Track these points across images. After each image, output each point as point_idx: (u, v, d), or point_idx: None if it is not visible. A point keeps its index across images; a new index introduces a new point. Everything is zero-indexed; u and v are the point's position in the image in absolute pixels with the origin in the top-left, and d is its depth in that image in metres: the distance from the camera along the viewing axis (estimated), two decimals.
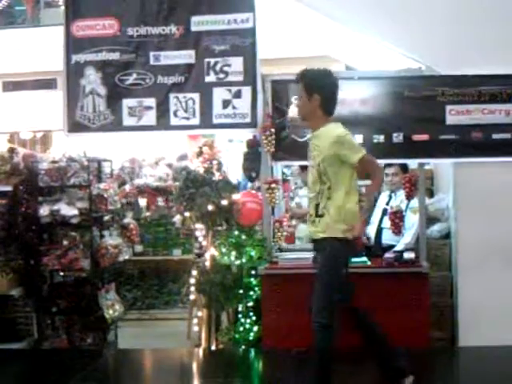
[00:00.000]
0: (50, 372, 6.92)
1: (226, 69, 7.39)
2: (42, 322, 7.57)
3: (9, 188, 7.60)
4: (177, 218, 8.13)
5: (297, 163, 8.34)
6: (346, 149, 5.55)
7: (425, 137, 7.19)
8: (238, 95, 7.38)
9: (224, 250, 7.30)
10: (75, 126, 7.60)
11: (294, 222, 8.44)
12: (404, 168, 7.61)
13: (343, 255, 5.67)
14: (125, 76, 7.54)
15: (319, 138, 5.65)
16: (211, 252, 7.46)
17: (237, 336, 7.19)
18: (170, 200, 9.52)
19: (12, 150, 8.19)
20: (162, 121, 7.42)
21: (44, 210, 7.43)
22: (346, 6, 7.45)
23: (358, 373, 6.46)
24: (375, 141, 7.25)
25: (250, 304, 7.23)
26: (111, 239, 7.70)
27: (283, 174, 8.72)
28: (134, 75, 7.52)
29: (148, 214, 9.83)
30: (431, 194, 8.34)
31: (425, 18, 7.26)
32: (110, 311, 7.54)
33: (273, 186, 7.28)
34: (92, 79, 7.58)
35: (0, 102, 13.11)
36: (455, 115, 7.18)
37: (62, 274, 7.60)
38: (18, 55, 11.96)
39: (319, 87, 5.68)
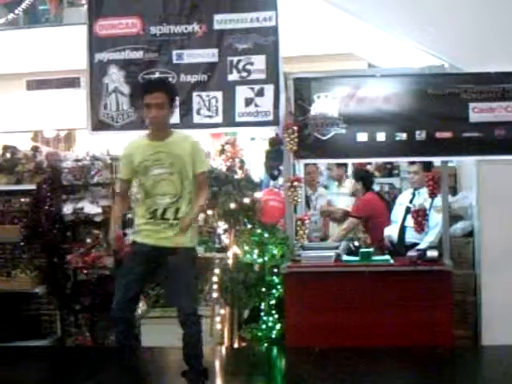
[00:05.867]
0: (73, 369, 6.96)
1: (248, 67, 7.40)
2: (66, 320, 7.61)
3: (33, 186, 7.65)
4: (199, 216, 8.13)
5: (319, 161, 8.32)
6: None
7: (448, 134, 7.16)
8: (260, 93, 7.38)
9: (246, 248, 7.32)
10: (99, 125, 7.63)
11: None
12: (427, 166, 7.59)
13: None
14: (148, 75, 7.55)
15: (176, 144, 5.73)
16: (234, 250, 7.47)
17: (259, 334, 7.20)
18: None
19: (36, 149, 8.25)
20: (185, 119, 7.43)
21: (67, 208, 7.47)
22: (369, 4, 7.44)
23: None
24: (398, 138, 7.23)
25: (273, 302, 7.25)
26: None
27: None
28: (157, 74, 7.54)
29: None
30: (454, 192, 8.31)
31: (448, 16, 7.24)
32: None
33: (295, 184, 7.29)
34: (115, 78, 7.60)
35: (24, 100, 13.17)
36: (478, 113, 7.15)
37: (85, 271, 7.61)
38: (42, 54, 12.00)
39: (176, 95, 5.97)
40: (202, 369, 5.76)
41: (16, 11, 11.99)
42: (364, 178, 8.43)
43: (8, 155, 8.01)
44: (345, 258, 7.34)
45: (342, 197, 8.61)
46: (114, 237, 5.81)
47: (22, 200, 7.87)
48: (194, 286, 5.87)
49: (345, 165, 8.64)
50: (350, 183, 8.66)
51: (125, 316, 5.66)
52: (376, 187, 9.38)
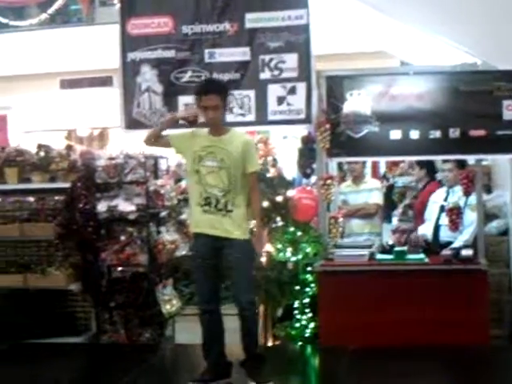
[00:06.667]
0: (108, 366, 7.00)
1: (280, 65, 7.41)
2: (101, 317, 7.63)
3: (67, 184, 7.69)
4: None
5: (351, 159, 8.30)
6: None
7: (482, 132, 7.12)
8: (292, 91, 7.38)
9: (280, 246, 7.33)
10: (132, 124, 7.70)
11: None
12: (461, 164, 7.55)
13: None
14: (180, 73, 7.60)
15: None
16: (267, 248, 7.48)
17: (293, 332, 7.21)
18: None
19: (69, 147, 8.30)
20: None
21: (102, 206, 7.49)
22: (401, 1, 7.42)
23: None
24: (431, 136, 7.19)
25: (307, 300, 7.25)
26: (168, 235, 7.72)
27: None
28: (190, 73, 7.58)
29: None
30: (489, 191, 8.26)
31: (480, 12, 7.21)
32: (168, 306, 7.58)
33: (328, 182, 7.28)
34: (148, 77, 7.65)
35: (57, 99, 13.29)
36: None
37: (119, 269, 7.65)
38: (75, 54, 12.11)
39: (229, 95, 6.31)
40: (260, 354, 5.99)
41: (49, 11, 12.11)
42: (427, 164, 8.39)
43: (42, 154, 8.05)
44: (379, 256, 7.33)
45: (363, 193, 8.58)
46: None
47: (57, 198, 7.93)
48: (251, 278, 6.07)
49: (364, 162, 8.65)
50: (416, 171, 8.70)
51: (212, 307, 6.05)
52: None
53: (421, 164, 8.57)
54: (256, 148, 6.16)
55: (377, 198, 8.51)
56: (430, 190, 8.29)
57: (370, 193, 8.50)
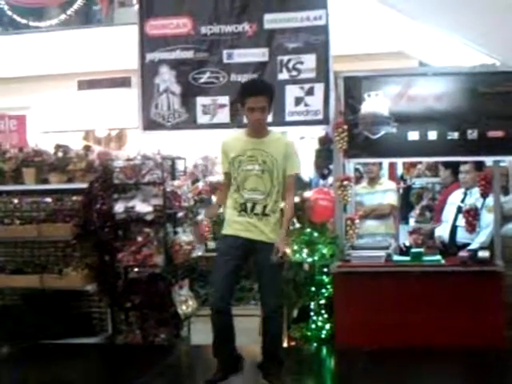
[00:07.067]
0: (123, 367, 7.03)
1: (298, 66, 7.39)
2: (117, 318, 7.65)
3: (84, 185, 7.72)
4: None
5: (369, 160, 8.26)
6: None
7: (500, 133, 7.07)
8: (310, 92, 7.37)
9: (296, 247, 7.31)
10: (150, 124, 7.71)
11: None
12: (479, 166, 7.51)
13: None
14: (198, 74, 7.60)
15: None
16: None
17: (309, 334, 7.19)
18: None
19: (87, 148, 8.33)
20: (236, 118, 7.45)
21: (119, 207, 7.51)
22: (420, 2, 7.39)
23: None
24: (449, 137, 7.15)
25: (323, 302, 7.23)
26: (185, 236, 7.74)
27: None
28: (208, 73, 7.58)
29: (221, 210, 9.83)
30: (506, 192, 8.21)
31: (499, 14, 7.17)
32: (184, 307, 7.59)
33: (345, 183, 7.26)
34: (166, 78, 7.66)
35: (75, 100, 13.34)
36: None
37: (136, 270, 7.66)
38: (93, 54, 12.16)
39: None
40: (281, 358, 5.91)
41: (68, 12, 12.17)
42: (452, 165, 8.35)
43: (60, 154, 8.08)
44: (395, 258, 7.30)
45: (378, 195, 8.56)
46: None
47: (74, 198, 7.94)
48: (280, 282, 5.98)
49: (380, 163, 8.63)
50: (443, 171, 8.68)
51: (225, 307, 5.91)
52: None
53: (446, 164, 8.52)
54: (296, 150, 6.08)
55: (391, 199, 8.46)
56: (451, 191, 8.26)
57: (385, 194, 8.46)
